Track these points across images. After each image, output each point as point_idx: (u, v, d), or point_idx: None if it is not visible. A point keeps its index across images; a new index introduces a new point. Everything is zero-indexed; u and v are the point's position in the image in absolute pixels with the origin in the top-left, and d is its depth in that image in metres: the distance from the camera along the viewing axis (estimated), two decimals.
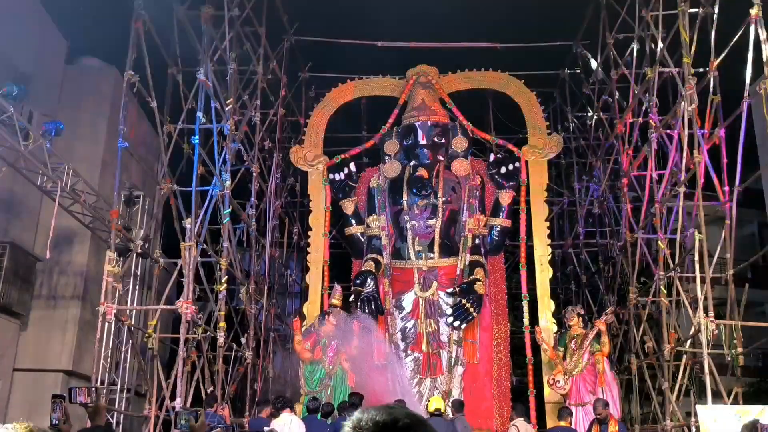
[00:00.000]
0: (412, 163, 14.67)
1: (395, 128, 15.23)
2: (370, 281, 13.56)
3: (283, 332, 16.70)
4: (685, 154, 11.17)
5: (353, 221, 14.89)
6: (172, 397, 10.67)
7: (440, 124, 14.93)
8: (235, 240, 13.43)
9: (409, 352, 13.57)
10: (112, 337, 13.69)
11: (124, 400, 14.38)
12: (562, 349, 12.53)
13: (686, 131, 11.19)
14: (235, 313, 13.98)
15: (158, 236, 15.47)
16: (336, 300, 13.18)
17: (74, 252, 14.21)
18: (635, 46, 13.68)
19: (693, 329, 10.77)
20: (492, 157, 15.31)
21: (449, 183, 14.46)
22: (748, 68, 10.56)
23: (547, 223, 14.82)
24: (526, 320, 14.14)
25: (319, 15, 15.98)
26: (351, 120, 17.36)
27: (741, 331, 10.71)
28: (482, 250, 14.12)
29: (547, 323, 13.77)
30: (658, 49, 12.18)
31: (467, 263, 13.78)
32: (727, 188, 11.17)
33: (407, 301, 13.88)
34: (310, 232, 15.17)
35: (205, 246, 12.01)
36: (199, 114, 11.43)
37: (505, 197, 14.44)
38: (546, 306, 14.00)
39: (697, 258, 10.79)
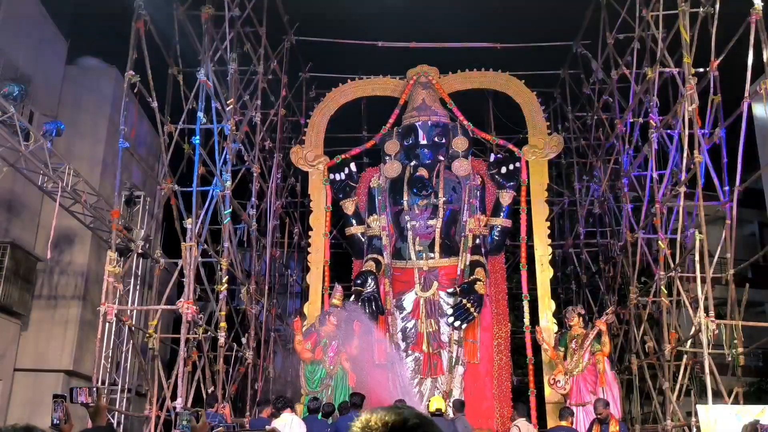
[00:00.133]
0: (412, 163, 14.68)
1: (396, 128, 15.23)
2: (370, 281, 13.56)
3: (283, 332, 16.71)
4: (685, 154, 11.17)
5: (354, 221, 14.89)
6: (173, 397, 10.68)
7: (441, 124, 14.92)
8: (236, 240, 13.44)
9: (409, 352, 13.56)
10: (112, 337, 13.72)
11: (124, 400, 14.41)
12: (562, 349, 12.52)
13: (686, 131, 11.18)
14: (235, 313, 13.98)
15: (159, 236, 15.51)
16: (336, 300, 13.17)
17: (75, 252, 14.22)
18: (635, 46, 13.67)
19: (693, 329, 10.75)
20: (492, 157, 15.31)
21: (450, 183, 14.46)
22: (748, 68, 10.57)
23: (548, 223, 14.79)
24: (526, 320, 14.14)
25: (320, 15, 15.96)
26: (351, 120, 17.35)
27: (741, 331, 10.70)
28: (483, 250, 14.12)
29: (547, 323, 13.77)
30: (659, 49, 12.17)
31: (468, 263, 13.77)
32: (727, 188, 11.19)
33: (408, 301, 13.87)
34: (310, 232, 15.15)
35: (205, 246, 12.02)
36: (200, 114, 11.42)
37: (506, 197, 14.44)
38: (546, 306, 13.99)
39: (697, 258, 10.79)
